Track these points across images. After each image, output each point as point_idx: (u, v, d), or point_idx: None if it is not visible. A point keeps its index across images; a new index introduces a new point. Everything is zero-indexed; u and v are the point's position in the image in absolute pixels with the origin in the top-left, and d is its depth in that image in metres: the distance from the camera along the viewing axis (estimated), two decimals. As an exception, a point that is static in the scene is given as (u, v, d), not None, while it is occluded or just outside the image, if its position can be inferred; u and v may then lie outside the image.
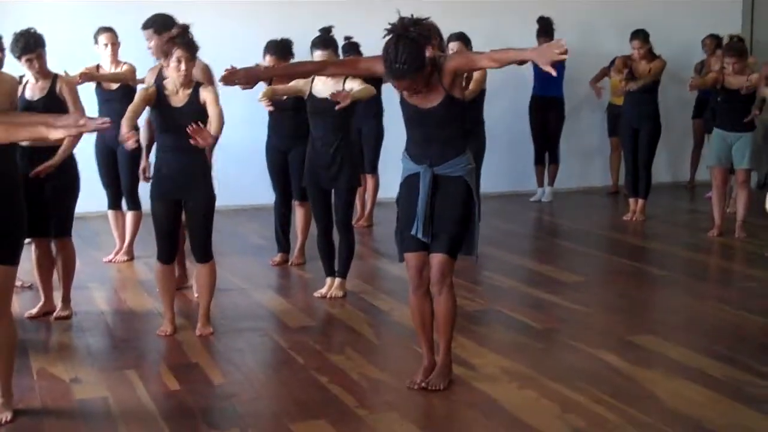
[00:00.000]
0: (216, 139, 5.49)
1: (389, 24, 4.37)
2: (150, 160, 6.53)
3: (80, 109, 6.02)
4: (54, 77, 6.09)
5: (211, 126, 5.43)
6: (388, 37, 4.38)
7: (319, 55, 6.45)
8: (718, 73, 8.51)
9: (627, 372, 4.99)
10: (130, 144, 5.57)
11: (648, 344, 5.47)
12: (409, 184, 4.69)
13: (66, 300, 6.17)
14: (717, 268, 7.81)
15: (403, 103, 4.63)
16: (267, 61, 7.29)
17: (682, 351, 5.32)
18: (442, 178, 4.61)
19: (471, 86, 7.80)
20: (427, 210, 4.58)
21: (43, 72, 6.06)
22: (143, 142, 6.82)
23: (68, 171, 6.04)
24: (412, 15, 4.40)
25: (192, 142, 5.29)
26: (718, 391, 4.68)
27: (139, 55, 7.22)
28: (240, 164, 9.42)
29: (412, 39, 4.33)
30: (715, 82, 8.47)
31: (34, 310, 6.15)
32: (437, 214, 4.61)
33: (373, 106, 8.66)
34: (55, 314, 6.11)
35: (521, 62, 4.61)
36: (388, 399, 4.66)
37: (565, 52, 4.14)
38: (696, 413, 4.40)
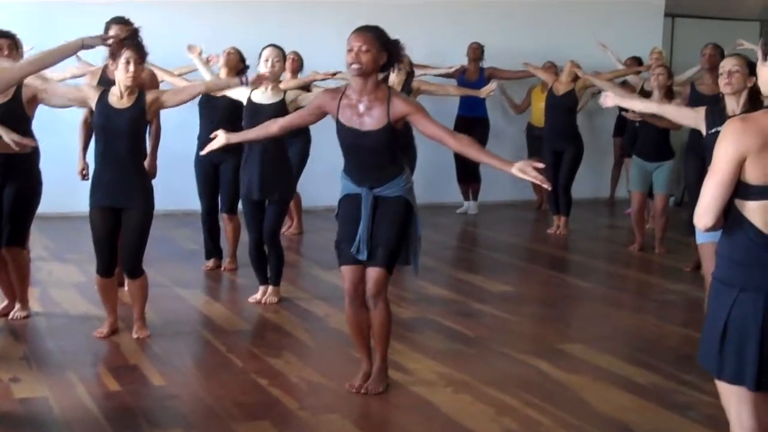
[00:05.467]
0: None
1: None
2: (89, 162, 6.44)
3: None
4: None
5: (206, 83, 6.33)
6: None
7: None
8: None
9: (557, 378, 5.17)
10: None
11: (575, 352, 5.66)
12: (349, 202, 4.77)
13: (23, 301, 6.09)
14: (638, 281, 8.07)
15: (341, 129, 4.67)
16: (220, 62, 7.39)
17: (608, 359, 5.53)
18: (382, 198, 4.71)
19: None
20: (368, 232, 4.67)
21: None
22: (80, 142, 6.81)
23: (32, 179, 5.84)
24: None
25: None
26: (644, 397, 4.89)
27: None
28: (171, 169, 9.39)
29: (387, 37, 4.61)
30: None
31: None
32: (376, 229, 4.68)
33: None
34: (12, 314, 6.04)
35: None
36: (328, 401, 4.76)
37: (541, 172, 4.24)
38: (624, 417, 4.59)
